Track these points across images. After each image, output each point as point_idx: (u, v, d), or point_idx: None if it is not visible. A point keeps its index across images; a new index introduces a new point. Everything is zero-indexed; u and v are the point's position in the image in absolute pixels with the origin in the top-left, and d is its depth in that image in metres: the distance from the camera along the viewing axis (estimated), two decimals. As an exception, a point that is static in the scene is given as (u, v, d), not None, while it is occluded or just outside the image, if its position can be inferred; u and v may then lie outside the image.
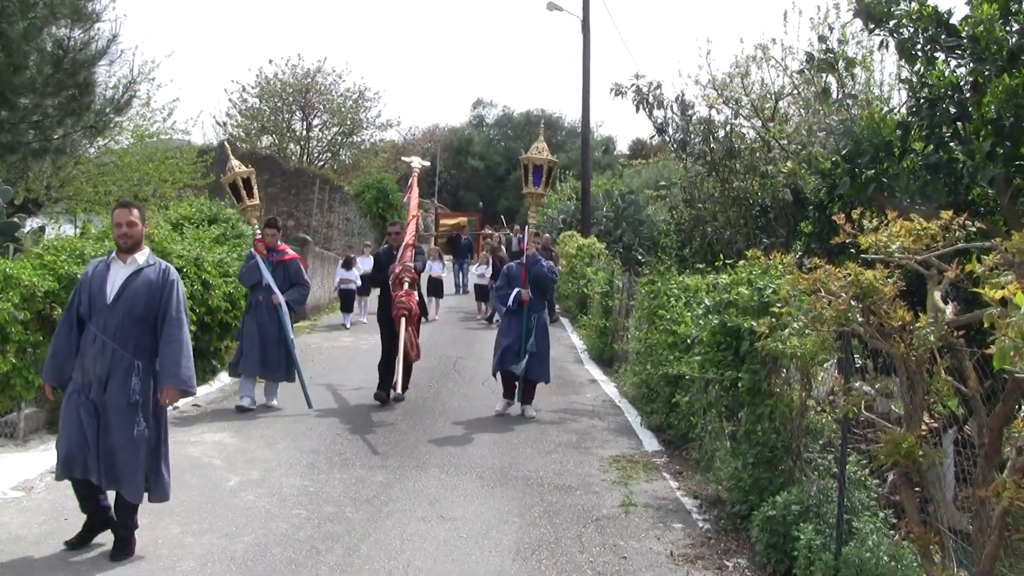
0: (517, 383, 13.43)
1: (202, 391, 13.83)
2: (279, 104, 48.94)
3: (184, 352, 7.20)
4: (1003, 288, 4.07)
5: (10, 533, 7.51)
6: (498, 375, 13.70)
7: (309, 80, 48.70)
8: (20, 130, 15.48)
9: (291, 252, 13.76)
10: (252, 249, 13.36)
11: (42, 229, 22.04)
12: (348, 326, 23.32)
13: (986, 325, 4.01)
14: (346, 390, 14.53)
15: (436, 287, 26.18)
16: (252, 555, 7.26)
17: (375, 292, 15.84)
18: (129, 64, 17.53)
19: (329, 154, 50.84)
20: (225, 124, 48.17)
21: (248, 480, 9.40)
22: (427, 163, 19.49)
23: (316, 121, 49.94)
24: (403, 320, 13.28)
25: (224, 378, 15.00)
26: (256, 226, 13.50)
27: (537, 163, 13.70)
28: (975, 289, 4.39)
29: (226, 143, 15.51)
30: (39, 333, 10.35)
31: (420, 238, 45.14)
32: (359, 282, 23.52)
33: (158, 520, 7.90)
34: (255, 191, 13.49)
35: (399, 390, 13.12)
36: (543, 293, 14.03)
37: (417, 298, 13.92)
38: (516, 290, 13.44)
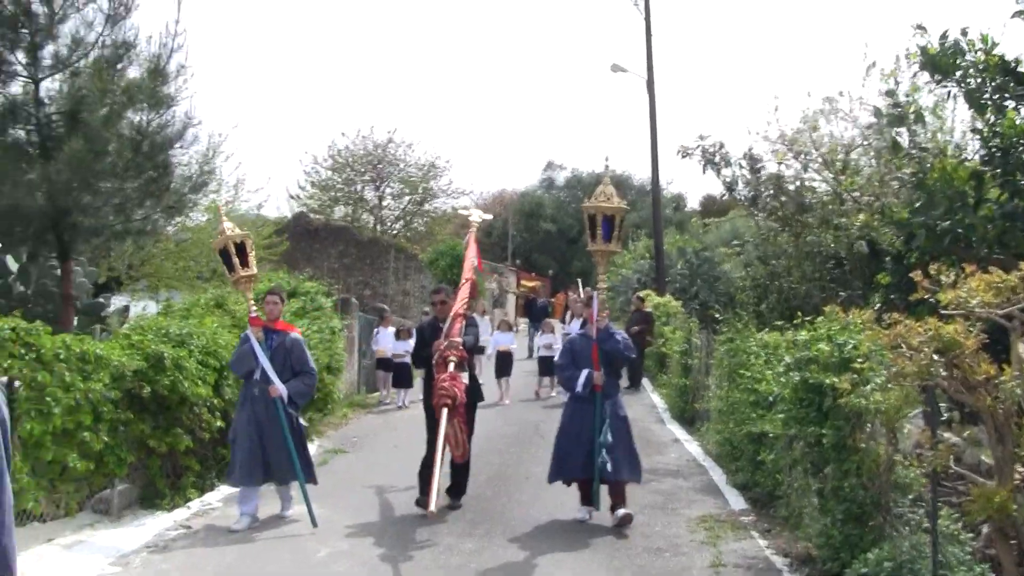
0: (592, 485, 10.95)
1: (288, 463, 14.01)
2: (351, 175, 49.73)
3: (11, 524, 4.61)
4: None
5: (111, 609, 7.70)
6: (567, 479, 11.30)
7: (380, 151, 49.44)
8: (102, 213, 15.88)
9: (295, 330, 11.51)
10: (248, 330, 10.96)
11: (126, 308, 22.63)
12: (407, 404, 20.77)
13: (1072, 379, 4.04)
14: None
15: (504, 363, 22.37)
16: (347, 626, 7.35)
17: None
18: (203, 143, 18.11)
19: (402, 223, 51.46)
20: (298, 196, 49.09)
21: (338, 551, 9.51)
22: (488, 216, 17.13)
23: (388, 191, 50.66)
24: (445, 411, 10.64)
25: (311, 449, 15.15)
26: (251, 300, 11.10)
27: (606, 212, 11.02)
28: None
29: (219, 206, 13.62)
30: (129, 411, 10.65)
31: (496, 302, 45.51)
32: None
33: (253, 594, 8.05)
34: (250, 259, 11.18)
35: (428, 505, 9.85)
36: (617, 373, 11.65)
37: (466, 382, 11.23)
38: (585, 372, 10.97)
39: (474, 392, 11.70)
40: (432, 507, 9.73)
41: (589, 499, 11.02)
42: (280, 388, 10.61)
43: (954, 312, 5.87)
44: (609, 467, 10.69)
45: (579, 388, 10.97)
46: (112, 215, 16.27)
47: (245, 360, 10.78)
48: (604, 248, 11.15)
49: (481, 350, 23.54)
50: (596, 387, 10.88)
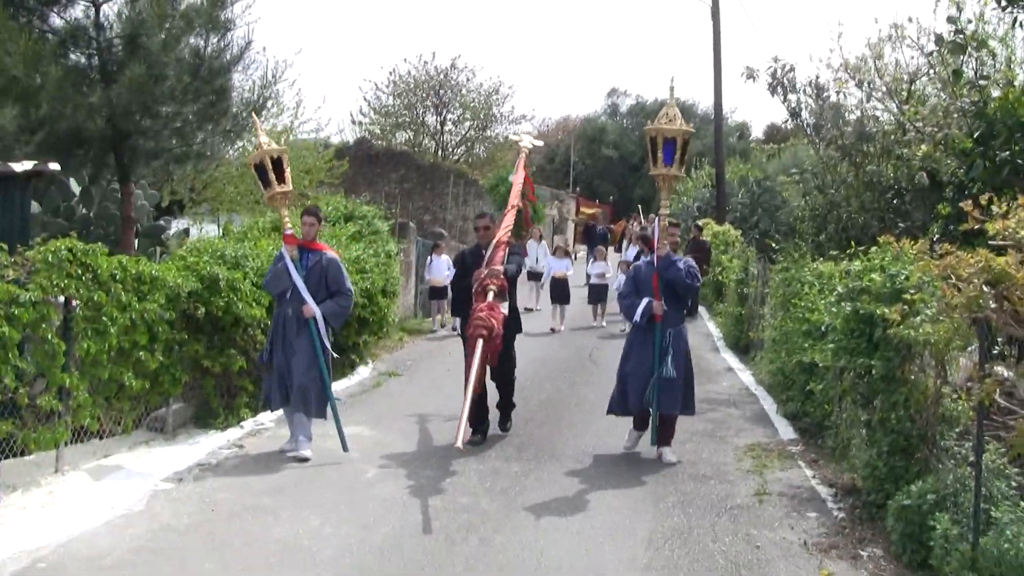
0: (651, 420, 10.58)
1: (341, 385, 14.10)
2: (413, 101, 49.71)
3: None
4: None
5: (161, 523, 7.88)
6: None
7: (443, 76, 49.34)
8: (162, 137, 16.08)
9: (331, 251, 10.93)
10: (282, 248, 10.50)
11: (186, 231, 22.93)
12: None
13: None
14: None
15: (560, 290, 21.97)
16: (389, 545, 7.47)
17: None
18: (262, 67, 18.21)
19: (463, 149, 51.43)
20: (361, 123, 49.25)
21: (385, 472, 9.66)
22: (539, 142, 16.13)
23: (450, 116, 50.61)
24: (479, 343, 10.15)
25: (362, 372, 15.33)
26: (286, 217, 10.61)
27: (668, 135, 10.36)
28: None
29: (255, 115, 12.57)
30: (184, 332, 10.80)
31: (556, 229, 45.34)
32: None
33: (298, 512, 8.20)
34: (287, 175, 10.56)
35: (458, 443, 9.08)
36: (681, 302, 11.01)
37: (506, 312, 10.76)
38: (645, 301, 10.49)
39: (513, 323, 11.25)
40: (459, 442, 9.06)
41: (643, 424, 10.66)
42: (314, 308, 10.17)
43: (1002, 243, 5.76)
44: (664, 401, 10.36)
45: (637, 317, 10.54)
46: (172, 138, 16.45)
47: (279, 279, 10.32)
48: (665, 172, 10.51)
49: (538, 276, 23.52)
50: (656, 317, 10.39)
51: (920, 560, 7.13)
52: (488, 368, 10.73)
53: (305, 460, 9.97)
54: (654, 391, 10.32)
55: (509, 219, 11.83)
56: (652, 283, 10.50)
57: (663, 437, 10.54)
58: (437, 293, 21.46)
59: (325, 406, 10.28)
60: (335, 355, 10.96)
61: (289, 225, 10.49)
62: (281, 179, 10.45)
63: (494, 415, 11.46)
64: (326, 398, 10.30)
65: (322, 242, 11.07)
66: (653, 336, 10.43)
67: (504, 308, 10.73)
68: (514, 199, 12.38)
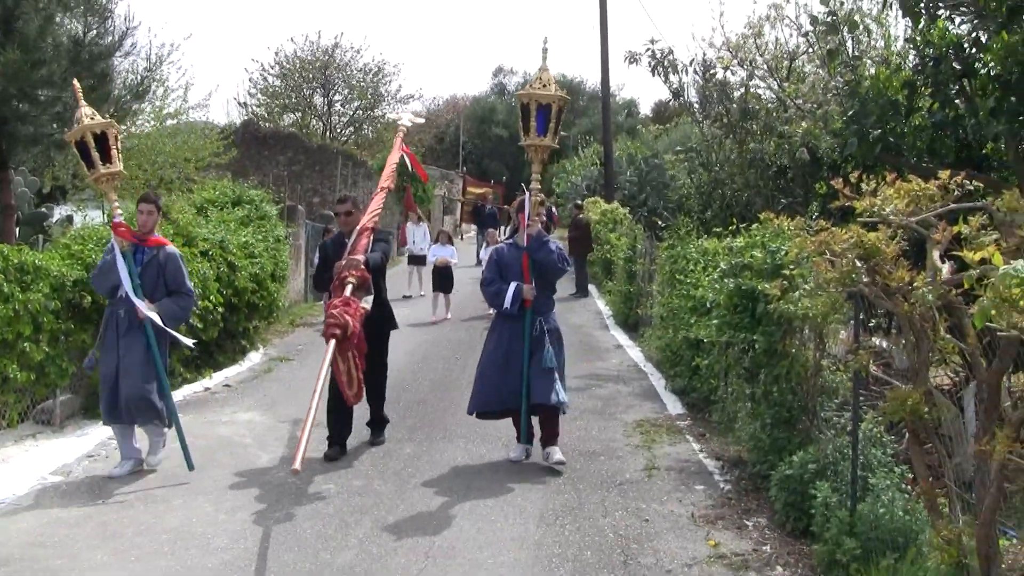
0: (521, 416, 9.67)
1: (232, 371, 14.04)
2: (300, 81, 49.30)
3: None
4: (983, 249, 4.20)
5: (51, 516, 7.77)
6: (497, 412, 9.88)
7: (328, 57, 49.00)
8: (41, 122, 15.74)
9: (170, 244, 9.52)
10: (112, 239, 8.99)
11: (70, 219, 22.40)
12: None
13: (966, 286, 4.14)
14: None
15: (444, 278, 20.40)
16: (283, 530, 7.47)
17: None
18: (146, 50, 18.02)
19: (352, 129, 51.12)
20: (247, 104, 48.69)
21: (279, 457, 9.64)
22: (420, 119, 15.60)
23: (337, 97, 50.28)
24: (332, 343, 8.75)
25: (253, 358, 15.21)
26: (114, 202, 9.12)
27: (542, 101, 9.47)
28: (955, 252, 4.51)
29: (75, 81, 10.10)
30: (70, 322, 10.61)
31: (446, 210, 45.05)
32: None
33: (191, 499, 8.16)
34: (113, 154, 8.98)
35: (296, 464, 7.28)
36: (550, 287, 9.93)
37: (368, 307, 9.49)
38: (514, 285, 9.52)
39: (382, 319, 10.06)
40: (297, 463, 7.31)
41: (528, 438, 9.75)
42: (144, 309, 8.75)
43: (870, 220, 5.96)
44: (539, 391, 9.34)
45: (508, 304, 9.50)
46: (51, 124, 16.12)
47: (107, 274, 8.93)
48: (538, 142, 9.62)
49: (422, 260, 23.28)
50: (526, 302, 9.48)
51: (803, 528, 7.36)
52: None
53: (156, 467, 9.11)
54: (529, 384, 9.43)
55: (377, 202, 10.66)
56: (521, 265, 9.62)
57: (548, 436, 9.59)
58: None
59: (166, 415, 9.08)
60: (191, 346, 9.95)
61: (119, 212, 9.04)
62: (107, 158, 8.96)
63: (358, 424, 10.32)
64: (166, 408, 9.06)
65: (161, 235, 9.66)
66: (521, 325, 9.53)
67: (367, 302, 9.58)
68: (385, 180, 11.36)
